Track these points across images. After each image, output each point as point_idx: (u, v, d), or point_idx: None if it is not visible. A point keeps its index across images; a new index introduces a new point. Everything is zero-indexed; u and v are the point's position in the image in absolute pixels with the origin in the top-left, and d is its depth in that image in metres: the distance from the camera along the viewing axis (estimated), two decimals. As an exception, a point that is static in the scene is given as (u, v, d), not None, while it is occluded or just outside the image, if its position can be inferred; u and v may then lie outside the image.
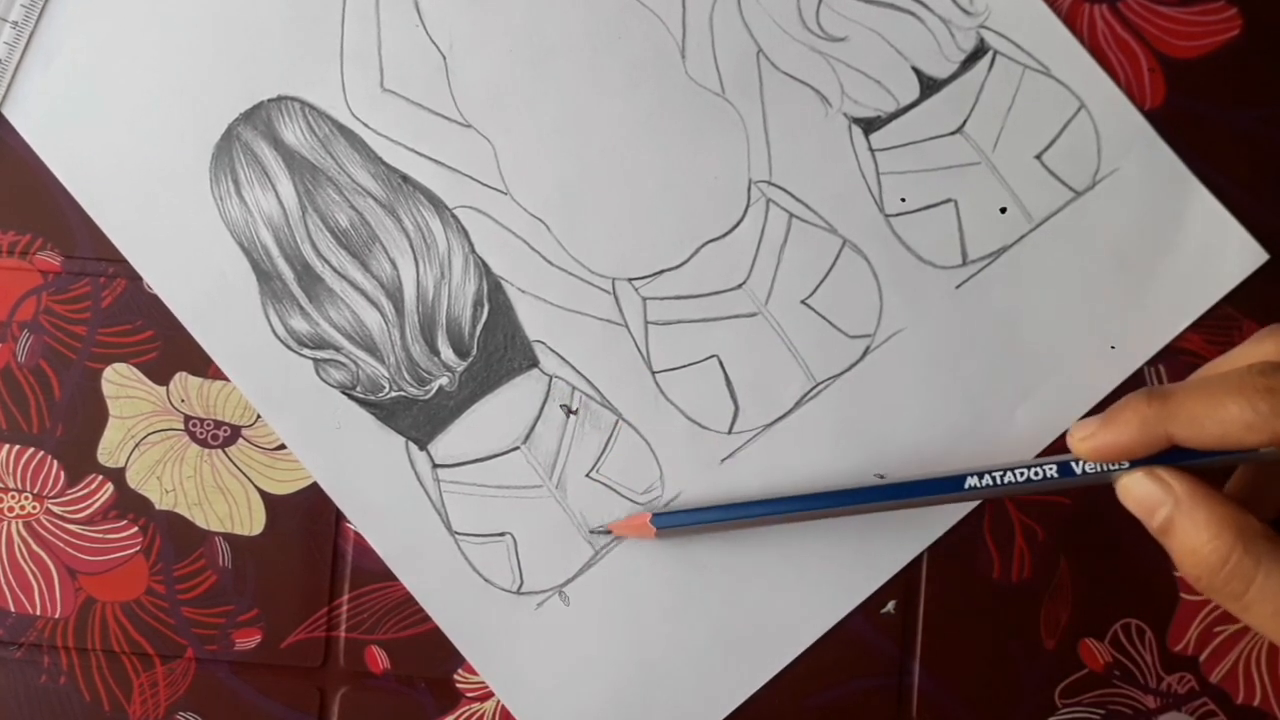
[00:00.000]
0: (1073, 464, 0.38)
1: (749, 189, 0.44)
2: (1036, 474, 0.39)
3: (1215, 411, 0.34)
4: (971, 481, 0.39)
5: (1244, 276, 0.44)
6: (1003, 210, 0.44)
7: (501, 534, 0.44)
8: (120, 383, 0.44)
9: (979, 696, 0.44)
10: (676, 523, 0.42)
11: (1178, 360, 0.44)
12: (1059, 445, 0.44)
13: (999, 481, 0.39)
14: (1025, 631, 0.44)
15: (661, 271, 0.44)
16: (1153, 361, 0.44)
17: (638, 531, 0.43)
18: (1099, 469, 0.38)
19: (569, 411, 0.44)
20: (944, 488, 0.40)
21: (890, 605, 0.44)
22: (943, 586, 0.44)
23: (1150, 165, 0.44)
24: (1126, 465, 0.37)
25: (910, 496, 0.40)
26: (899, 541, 0.44)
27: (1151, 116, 0.44)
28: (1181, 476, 0.36)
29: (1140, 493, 0.37)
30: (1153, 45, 0.44)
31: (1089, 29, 0.44)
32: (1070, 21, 0.44)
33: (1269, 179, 0.44)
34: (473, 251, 0.44)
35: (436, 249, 0.44)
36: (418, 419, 0.44)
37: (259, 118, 0.44)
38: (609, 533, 0.43)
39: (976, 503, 0.43)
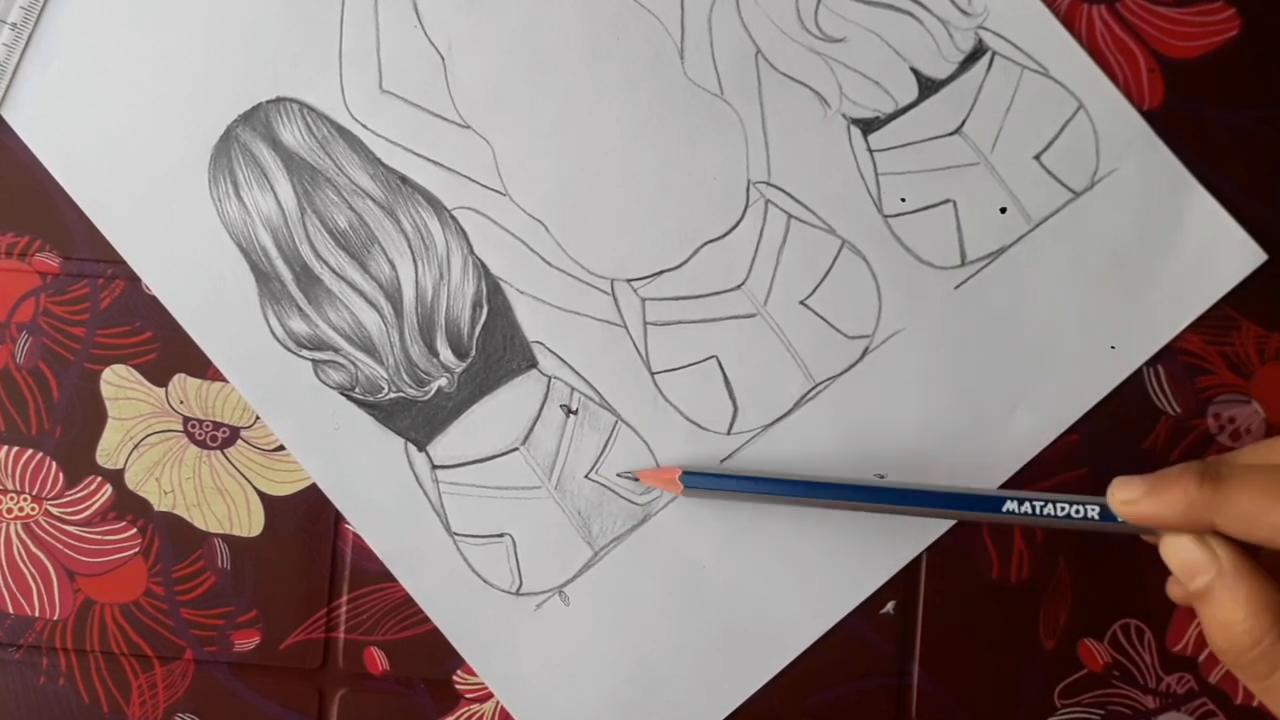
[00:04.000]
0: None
1: (748, 190, 0.44)
2: (1078, 511, 0.38)
3: (1268, 514, 0.33)
4: (1009, 505, 0.39)
5: (1243, 277, 0.44)
6: (1002, 210, 0.44)
7: (501, 535, 0.44)
8: (119, 384, 0.44)
9: (979, 696, 0.44)
10: (706, 485, 0.42)
11: (1177, 360, 0.44)
12: (1057, 447, 0.44)
13: (1036, 511, 0.38)
14: (1024, 632, 0.44)
15: (660, 272, 0.44)
16: (1152, 361, 0.44)
17: (665, 484, 0.42)
18: None
19: (568, 412, 0.44)
20: (982, 505, 0.39)
21: (890, 605, 0.44)
22: (942, 586, 0.44)
23: (1149, 166, 0.44)
24: None
25: (944, 507, 0.40)
26: (898, 541, 0.44)
27: (1150, 117, 0.44)
28: (1228, 546, 0.35)
29: (1185, 556, 0.35)
30: (1151, 46, 0.44)
31: (1087, 29, 0.44)
32: (1069, 22, 0.44)
33: (1268, 179, 0.44)
34: (471, 252, 0.44)
35: (435, 250, 0.44)
36: (416, 420, 0.44)
37: (257, 119, 0.44)
38: (636, 479, 0.43)
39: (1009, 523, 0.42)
